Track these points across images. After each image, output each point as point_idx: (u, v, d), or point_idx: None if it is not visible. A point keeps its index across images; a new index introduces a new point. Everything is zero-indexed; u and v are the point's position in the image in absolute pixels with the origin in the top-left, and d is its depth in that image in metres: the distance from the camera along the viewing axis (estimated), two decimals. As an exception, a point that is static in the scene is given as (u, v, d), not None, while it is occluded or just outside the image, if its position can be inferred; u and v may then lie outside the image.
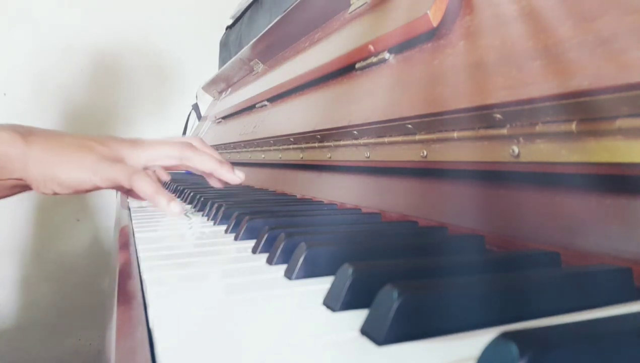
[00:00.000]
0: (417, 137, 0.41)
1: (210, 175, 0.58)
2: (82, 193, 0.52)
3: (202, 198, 0.65)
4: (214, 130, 1.34)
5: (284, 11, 0.88)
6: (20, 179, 0.50)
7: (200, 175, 0.62)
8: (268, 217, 0.45)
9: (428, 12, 0.42)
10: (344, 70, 0.60)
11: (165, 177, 0.70)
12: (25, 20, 1.64)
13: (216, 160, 0.57)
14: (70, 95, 1.72)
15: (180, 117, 1.79)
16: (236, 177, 0.58)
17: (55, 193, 0.51)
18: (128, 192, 0.62)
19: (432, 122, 0.39)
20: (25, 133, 0.50)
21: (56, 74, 1.69)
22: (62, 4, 1.69)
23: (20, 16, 1.64)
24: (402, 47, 0.48)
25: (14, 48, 1.63)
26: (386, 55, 0.50)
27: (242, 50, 1.17)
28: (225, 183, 0.59)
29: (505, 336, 0.14)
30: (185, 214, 0.50)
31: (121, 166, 0.50)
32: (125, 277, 0.35)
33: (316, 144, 0.62)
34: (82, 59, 1.73)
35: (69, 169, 0.49)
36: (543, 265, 0.28)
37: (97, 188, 0.51)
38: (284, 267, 0.31)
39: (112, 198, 1.52)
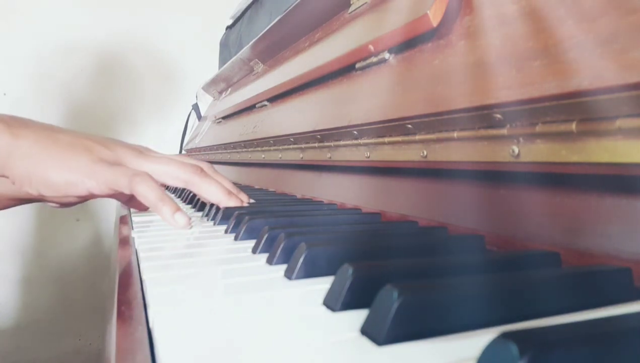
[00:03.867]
0: (417, 137, 0.41)
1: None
2: (72, 201, 0.46)
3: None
4: (214, 130, 1.34)
5: (284, 11, 0.88)
6: (3, 175, 0.45)
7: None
8: (268, 217, 0.45)
9: (428, 12, 0.42)
10: (344, 70, 0.60)
11: None
12: (25, 20, 1.64)
13: (225, 190, 0.52)
14: (70, 95, 1.72)
15: (181, 117, 1.79)
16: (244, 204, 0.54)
17: (41, 196, 0.45)
18: (128, 202, 0.59)
19: (432, 122, 0.39)
20: (15, 125, 0.45)
21: (56, 73, 1.69)
22: (62, 4, 1.69)
23: (21, 16, 1.64)
24: (402, 47, 0.48)
25: (15, 48, 1.63)
26: (386, 55, 0.50)
27: (242, 50, 1.17)
28: None
29: (505, 336, 0.14)
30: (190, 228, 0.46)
31: (121, 169, 0.44)
32: (125, 277, 0.35)
33: (316, 144, 0.62)
34: (82, 59, 1.73)
35: (60, 169, 0.43)
36: (543, 265, 0.28)
37: (91, 194, 0.45)
38: (284, 267, 0.31)
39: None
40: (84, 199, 0.53)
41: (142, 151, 0.50)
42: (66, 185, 0.44)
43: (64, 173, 0.43)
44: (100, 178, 0.44)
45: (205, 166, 0.54)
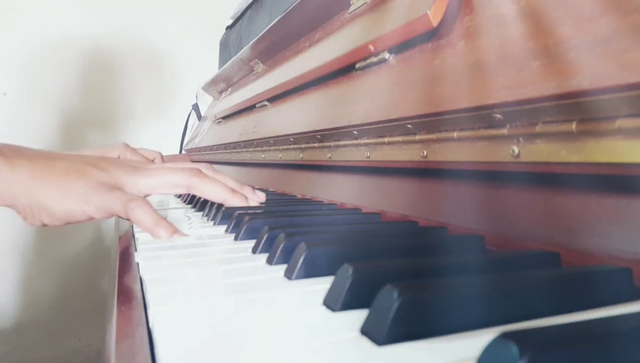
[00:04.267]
0: (417, 137, 0.41)
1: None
2: (75, 223, 0.46)
3: (202, 199, 0.65)
4: (214, 130, 1.34)
5: (284, 11, 0.88)
6: (8, 206, 0.46)
7: None
8: (268, 217, 0.45)
9: (428, 12, 0.42)
10: (344, 70, 0.60)
11: None
12: (25, 19, 1.64)
13: (228, 189, 0.52)
14: (70, 96, 1.72)
15: (181, 117, 1.79)
16: (253, 200, 0.53)
17: (44, 225, 0.46)
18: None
19: (432, 122, 0.39)
20: (12, 156, 0.45)
21: (56, 74, 1.69)
22: (62, 3, 1.69)
23: (20, 15, 1.64)
24: (402, 47, 0.48)
25: (14, 48, 1.63)
26: (386, 55, 0.50)
27: (242, 50, 1.17)
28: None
29: (505, 336, 0.14)
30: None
31: (117, 194, 0.44)
32: (125, 277, 0.35)
33: (316, 144, 0.62)
34: (82, 59, 1.73)
35: (59, 198, 0.44)
36: (543, 265, 0.28)
37: (92, 219, 0.45)
38: (284, 267, 0.31)
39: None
40: (84, 221, 0.52)
41: (137, 168, 0.49)
42: (66, 214, 0.44)
43: (63, 202, 0.44)
44: (98, 204, 0.44)
45: (203, 167, 0.53)
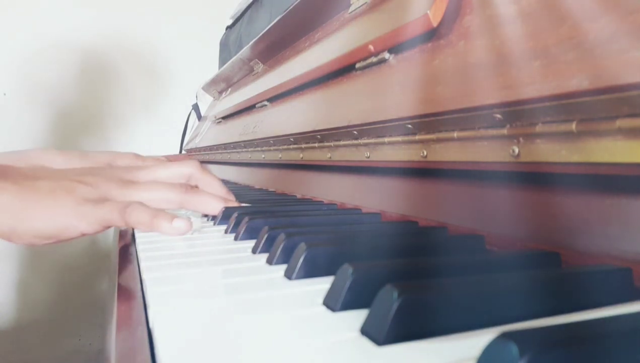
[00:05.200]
0: (417, 137, 0.41)
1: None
2: (67, 241, 0.45)
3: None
4: (214, 130, 1.34)
5: (284, 11, 0.88)
6: None
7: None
8: (268, 217, 0.45)
9: (428, 12, 0.42)
10: (344, 70, 0.60)
11: None
12: (25, 20, 1.64)
13: (219, 198, 0.52)
14: (70, 96, 1.72)
15: (180, 117, 1.79)
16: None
17: (32, 245, 0.44)
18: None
19: (432, 122, 0.39)
20: None
21: (56, 74, 1.69)
22: (62, 3, 1.69)
23: (20, 16, 1.64)
24: (402, 47, 0.48)
25: (14, 48, 1.63)
26: (386, 55, 0.50)
27: (242, 50, 1.17)
28: None
29: (505, 336, 0.14)
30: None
31: (110, 204, 0.43)
32: (125, 277, 0.35)
33: (316, 144, 0.62)
34: (81, 60, 1.73)
35: (46, 217, 0.42)
36: (543, 265, 0.28)
37: (84, 234, 0.44)
38: (284, 267, 0.31)
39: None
40: (76, 238, 0.50)
41: (126, 182, 0.48)
42: (56, 232, 0.43)
43: (51, 221, 0.42)
44: (90, 218, 0.43)
45: (193, 166, 0.52)
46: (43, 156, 0.53)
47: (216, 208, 0.51)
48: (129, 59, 1.81)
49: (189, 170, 0.52)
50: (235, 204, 0.54)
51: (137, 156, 0.74)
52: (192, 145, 1.54)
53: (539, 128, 0.29)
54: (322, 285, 0.26)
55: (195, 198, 0.50)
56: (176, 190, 0.48)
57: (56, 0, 1.69)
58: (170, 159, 0.86)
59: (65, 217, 0.42)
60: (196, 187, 0.53)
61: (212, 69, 1.70)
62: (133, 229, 0.52)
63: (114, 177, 0.48)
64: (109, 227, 0.44)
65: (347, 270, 0.23)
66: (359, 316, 0.21)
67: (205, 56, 1.82)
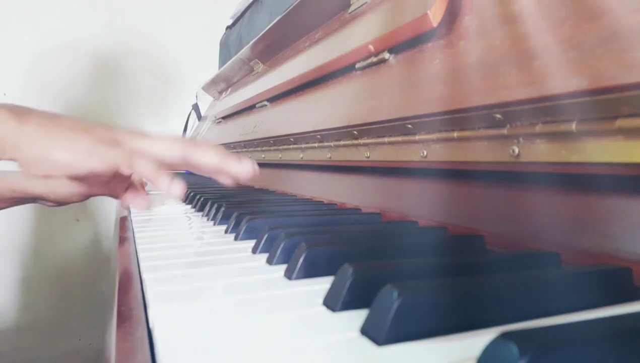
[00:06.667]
0: (417, 137, 0.41)
1: (217, 172, 0.54)
2: (74, 179, 0.49)
3: (202, 199, 0.65)
4: (214, 130, 1.34)
5: (284, 11, 0.88)
6: (11, 159, 0.48)
7: (201, 176, 0.60)
8: (268, 217, 0.45)
9: (428, 12, 0.42)
10: (344, 70, 0.60)
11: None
12: (25, 20, 1.64)
13: (219, 153, 0.53)
14: (70, 96, 1.72)
15: (181, 117, 1.79)
16: (245, 166, 0.54)
17: (46, 176, 0.48)
18: (124, 202, 0.61)
19: (432, 122, 0.39)
20: (19, 112, 0.48)
21: (56, 74, 1.69)
22: (62, 3, 1.69)
23: (21, 16, 1.64)
24: (402, 47, 0.48)
25: (15, 48, 1.63)
26: (386, 55, 0.50)
27: (242, 50, 1.17)
28: (236, 179, 0.55)
29: (505, 336, 0.14)
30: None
31: (120, 148, 0.48)
32: (125, 277, 0.35)
33: (316, 144, 0.62)
34: (82, 59, 1.73)
35: (64, 149, 0.47)
36: (543, 265, 0.28)
37: (93, 172, 0.48)
38: (284, 267, 0.31)
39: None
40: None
41: (135, 131, 0.53)
42: (69, 164, 0.47)
43: (68, 153, 0.47)
44: (101, 156, 0.47)
45: (195, 140, 0.55)
46: None
47: (217, 160, 0.53)
48: (135, 59, 1.80)
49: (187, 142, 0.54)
50: (237, 162, 0.54)
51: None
52: (192, 145, 1.54)
53: (539, 128, 0.29)
54: (322, 285, 0.26)
55: (197, 150, 0.52)
56: (180, 142, 0.52)
57: (63, 3, 1.69)
58: None
59: (80, 151, 0.47)
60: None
61: (212, 69, 1.70)
62: (133, 229, 0.52)
63: (125, 129, 0.53)
64: (115, 168, 0.48)
65: (347, 270, 0.23)
66: (359, 316, 0.21)
67: (205, 56, 1.82)
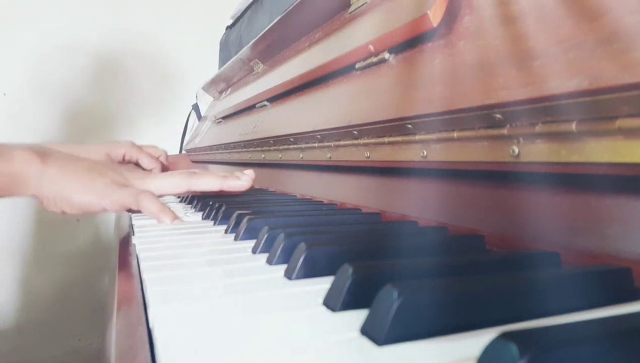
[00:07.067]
0: (417, 137, 0.41)
1: (220, 192, 0.62)
2: (90, 214, 0.57)
3: (201, 199, 0.65)
4: (214, 130, 1.34)
5: (284, 11, 0.88)
6: (34, 196, 0.55)
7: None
8: (268, 217, 0.45)
9: (428, 12, 0.42)
10: (344, 70, 0.60)
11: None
12: (25, 20, 1.64)
13: (217, 177, 0.60)
14: (70, 96, 1.72)
15: (181, 117, 1.79)
16: (244, 181, 0.60)
17: (63, 212, 0.55)
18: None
19: (432, 122, 0.39)
20: (42, 154, 0.54)
21: (56, 74, 1.69)
22: (62, 4, 1.69)
23: (21, 17, 1.64)
24: (402, 47, 0.48)
25: (15, 48, 1.63)
26: (386, 55, 0.50)
27: (242, 50, 1.17)
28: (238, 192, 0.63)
29: (505, 336, 0.14)
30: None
31: (129, 189, 0.54)
32: (125, 277, 0.35)
33: (316, 144, 0.62)
34: (81, 59, 1.73)
35: (80, 191, 0.53)
36: (543, 265, 0.28)
37: (105, 210, 0.54)
38: (284, 267, 0.31)
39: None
40: (99, 213, 0.62)
41: (144, 173, 0.61)
42: (85, 205, 0.53)
43: (84, 196, 0.53)
44: (113, 198, 0.53)
45: (195, 170, 0.62)
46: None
47: (218, 184, 0.60)
48: (135, 59, 1.80)
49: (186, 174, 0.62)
50: (236, 181, 0.60)
51: (133, 145, 0.84)
52: (192, 146, 1.54)
53: (539, 128, 0.29)
54: (322, 285, 0.26)
55: (197, 179, 0.59)
56: (182, 176, 0.59)
57: (63, 3, 1.69)
58: (169, 159, 0.92)
59: (95, 193, 0.53)
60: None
61: (212, 69, 1.70)
62: (133, 230, 0.52)
63: (136, 171, 0.62)
64: (125, 208, 0.54)
65: (347, 270, 0.23)
66: (359, 316, 0.21)
67: (205, 56, 1.82)
